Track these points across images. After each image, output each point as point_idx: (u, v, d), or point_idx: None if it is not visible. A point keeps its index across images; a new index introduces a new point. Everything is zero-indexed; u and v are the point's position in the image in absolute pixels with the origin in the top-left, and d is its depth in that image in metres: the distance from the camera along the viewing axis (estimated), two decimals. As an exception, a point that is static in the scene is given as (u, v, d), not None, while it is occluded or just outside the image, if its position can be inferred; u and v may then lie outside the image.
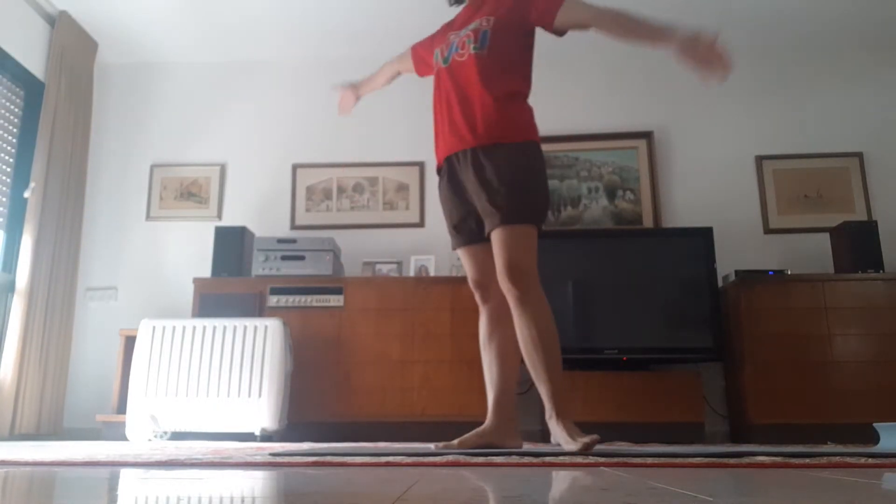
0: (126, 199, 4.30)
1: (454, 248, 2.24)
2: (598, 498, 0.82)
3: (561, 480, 1.09)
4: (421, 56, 2.40)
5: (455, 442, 1.96)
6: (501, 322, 2.12)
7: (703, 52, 1.80)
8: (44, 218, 3.67)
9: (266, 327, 3.30)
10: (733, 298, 3.58)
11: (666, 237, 3.77)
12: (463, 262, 2.23)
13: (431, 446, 1.98)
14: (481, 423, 2.08)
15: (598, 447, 1.95)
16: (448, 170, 2.17)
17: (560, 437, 1.90)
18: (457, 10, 2.35)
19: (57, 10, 3.94)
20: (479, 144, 2.06)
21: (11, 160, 3.80)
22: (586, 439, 1.80)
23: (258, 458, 1.53)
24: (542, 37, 2.16)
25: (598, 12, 1.99)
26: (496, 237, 2.02)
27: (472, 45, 2.10)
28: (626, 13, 1.95)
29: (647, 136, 4.21)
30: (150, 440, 3.19)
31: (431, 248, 4.05)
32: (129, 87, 4.47)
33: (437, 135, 2.20)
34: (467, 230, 2.16)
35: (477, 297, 2.19)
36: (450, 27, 2.28)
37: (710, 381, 3.70)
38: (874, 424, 2.16)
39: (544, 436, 2.91)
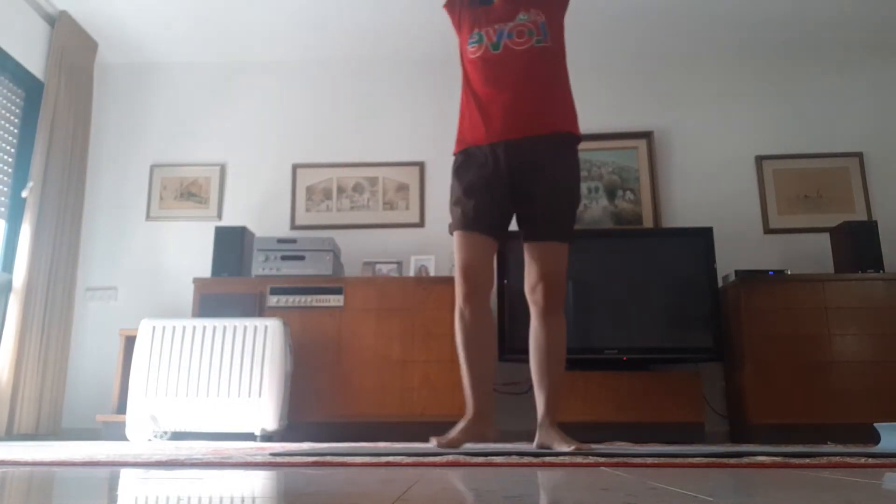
0: (126, 199, 4.30)
1: (456, 230, 2.11)
2: (598, 498, 0.82)
3: (561, 480, 1.08)
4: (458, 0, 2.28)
5: (453, 437, 1.99)
6: (484, 317, 2.10)
7: None
8: (43, 217, 3.67)
9: (266, 327, 3.30)
10: (733, 298, 3.58)
11: (666, 237, 3.77)
12: (458, 245, 2.09)
13: (432, 442, 2.01)
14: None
15: (598, 447, 2.03)
16: (491, 157, 2.08)
17: (555, 440, 1.98)
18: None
19: (57, 10, 3.94)
20: (551, 132, 2.08)
21: (12, 156, 3.80)
22: (579, 444, 1.92)
23: (258, 458, 1.53)
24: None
25: None
26: (546, 249, 2.06)
27: (534, 37, 2.09)
28: None
29: (647, 136, 4.21)
30: (150, 440, 3.19)
31: (431, 248, 4.05)
32: (129, 87, 4.47)
33: (477, 119, 2.11)
34: (485, 221, 2.08)
35: (462, 288, 2.06)
36: (486, 14, 2.17)
37: (710, 381, 3.70)
38: (874, 424, 2.16)
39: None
